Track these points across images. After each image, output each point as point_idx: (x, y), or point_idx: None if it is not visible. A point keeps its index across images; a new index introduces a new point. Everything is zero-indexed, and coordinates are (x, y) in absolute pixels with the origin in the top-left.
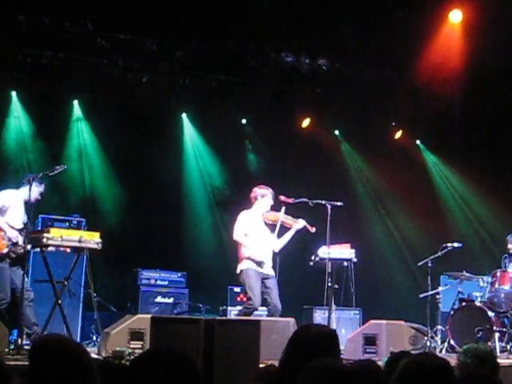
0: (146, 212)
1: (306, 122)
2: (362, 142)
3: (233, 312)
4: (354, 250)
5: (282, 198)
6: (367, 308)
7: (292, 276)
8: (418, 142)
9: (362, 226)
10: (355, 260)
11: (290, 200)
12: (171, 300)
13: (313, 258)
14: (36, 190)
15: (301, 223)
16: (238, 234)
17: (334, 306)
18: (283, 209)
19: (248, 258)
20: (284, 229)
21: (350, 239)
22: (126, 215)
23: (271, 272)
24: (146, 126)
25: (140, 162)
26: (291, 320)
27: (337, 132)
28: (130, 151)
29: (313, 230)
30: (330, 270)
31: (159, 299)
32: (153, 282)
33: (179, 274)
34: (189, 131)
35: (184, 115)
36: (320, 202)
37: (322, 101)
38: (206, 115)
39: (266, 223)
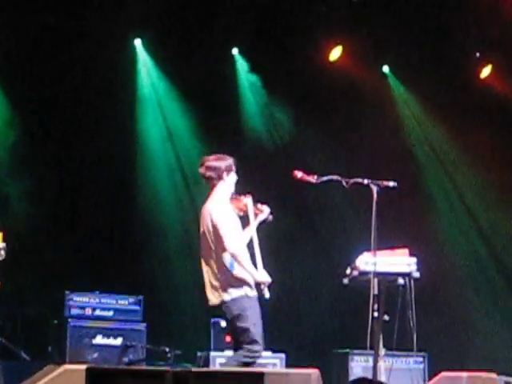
0: (79, 199)
1: (335, 53)
2: (427, 84)
3: (218, 360)
4: (415, 259)
5: (299, 174)
6: (436, 352)
7: (316, 302)
8: None
9: (426, 221)
10: (417, 275)
11: (312, 177)
12: (119, 341)
13: (348, 271)
14: None
15: (266, 211)
16: (236, 244)
17: (382, 350)
18: (250, 204)
19: (243, 279)
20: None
21: (407, 241)
22: (47, 206)
23: None
24: (76, 61)
25: (71, 121)
26: (314, 372)
27: (386, 68)
28: (55, 104)
29: (270, 219)
30: (376, 292)
31: (99, 340)
32: (89, 311)
33: (132, 300)
34: (146, 67)
35: (138, 42)
36: (360, 180)
37: (360, 17)
38: (172, 41)
39: None
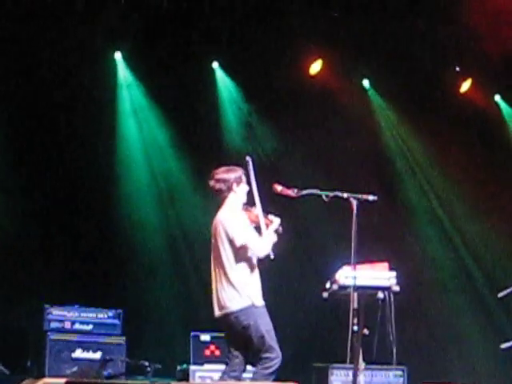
0: (58, 212)
1: (315, 67)
2: (407, 97)
3: (198, 374)
4: (394, 273)
5: (279, 187)
6: (416, 366)
7: (296, 316)
8: (497, 97)
9: (407, 234)
10: (397, 289)
11: (292, 191)
12: (98, 355)
13: (328, 286)
14: None
15: (276, 222)
16: (263, 244)
17: (362, 364)
18: (257, 200)
19: (253, 289)
20: None
21: (388, 255)
22: (26, 220)
23: None
24: (55, 74)
25: (48, 134)
26: None
27: (366, 82)
28: (32, 117)
29: (280, 230)
30: (356, 306)
31: (79, 354)
32: (68, 325)
33: (111, 313)
34: (126, 80)
35: (118, 55)
36: (339, 194)
37: (340, 32)
38: (152, 54)
39: None
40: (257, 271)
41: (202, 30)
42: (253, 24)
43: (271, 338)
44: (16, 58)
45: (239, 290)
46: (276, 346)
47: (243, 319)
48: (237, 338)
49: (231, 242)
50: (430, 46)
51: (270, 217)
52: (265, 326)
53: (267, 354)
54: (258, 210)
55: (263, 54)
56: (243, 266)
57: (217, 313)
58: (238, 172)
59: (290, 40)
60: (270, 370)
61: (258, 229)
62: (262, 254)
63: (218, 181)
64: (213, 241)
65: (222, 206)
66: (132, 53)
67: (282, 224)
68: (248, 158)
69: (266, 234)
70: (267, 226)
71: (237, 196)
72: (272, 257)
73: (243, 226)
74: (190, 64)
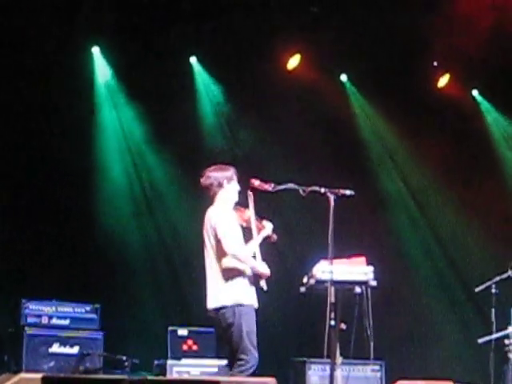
0: (36, 206)
1: (293, 62)
2: (385, 92)
3: (175, 369)
4: (371, 268)
5: (256, 182)
6: (393, 361)
7: (271, 311)
8: (474, 92)
9: (384, 228)
10: (374, 284)
11: (269, 185)
12: (76, 349)
13: (305, 280)
14: None
15: (268, 228)
16: (236, 245)
17: (339, 359)
18: (251, 201)
19: (241, 286)
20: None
21: (365, 249)
22: (2, 211)
23: None
24: (33, 69)
25: (25, 129)
26: (271, 381)
27: (344, 77)
28: (8, 111)
29: (274, 238)
30: (333, 301)
31: (56, 348)
32: (45, 320)
33: (88, 308)
34: (104, 78)
35: (96, 50)
36: (317, 189)
37: (319, 27)
38: (130, 50)
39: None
40: (251, 258)
41: (179, 24)
42: (231, 18)
43: (250, 341)
44: None
45: (225, 287)
46: (253, 349)
47: (228, 316)
48: (222, 335)
49: (215, 236)
50: (408, 41)
51: (264, 222)
52: (247, 326)
53: (242, 356)
54: (250, 212)
55: (241, 48)
56: (231, 263)
57: (208, 307)
58: (230, 170)
59: (268, 34)
60: (245, 374)
61: (248, 230)
62: (231, 252)
63: (208, 177)
64: (205, 238)
65: (212, 204)
66: (110, 48)
67: (275, 231)
68: (250, 193)
69: (251, 243)
70: (259, 230)
71: (227, 193)
72: (265, 288)
73: (226, 221)
74: (167, 59)
